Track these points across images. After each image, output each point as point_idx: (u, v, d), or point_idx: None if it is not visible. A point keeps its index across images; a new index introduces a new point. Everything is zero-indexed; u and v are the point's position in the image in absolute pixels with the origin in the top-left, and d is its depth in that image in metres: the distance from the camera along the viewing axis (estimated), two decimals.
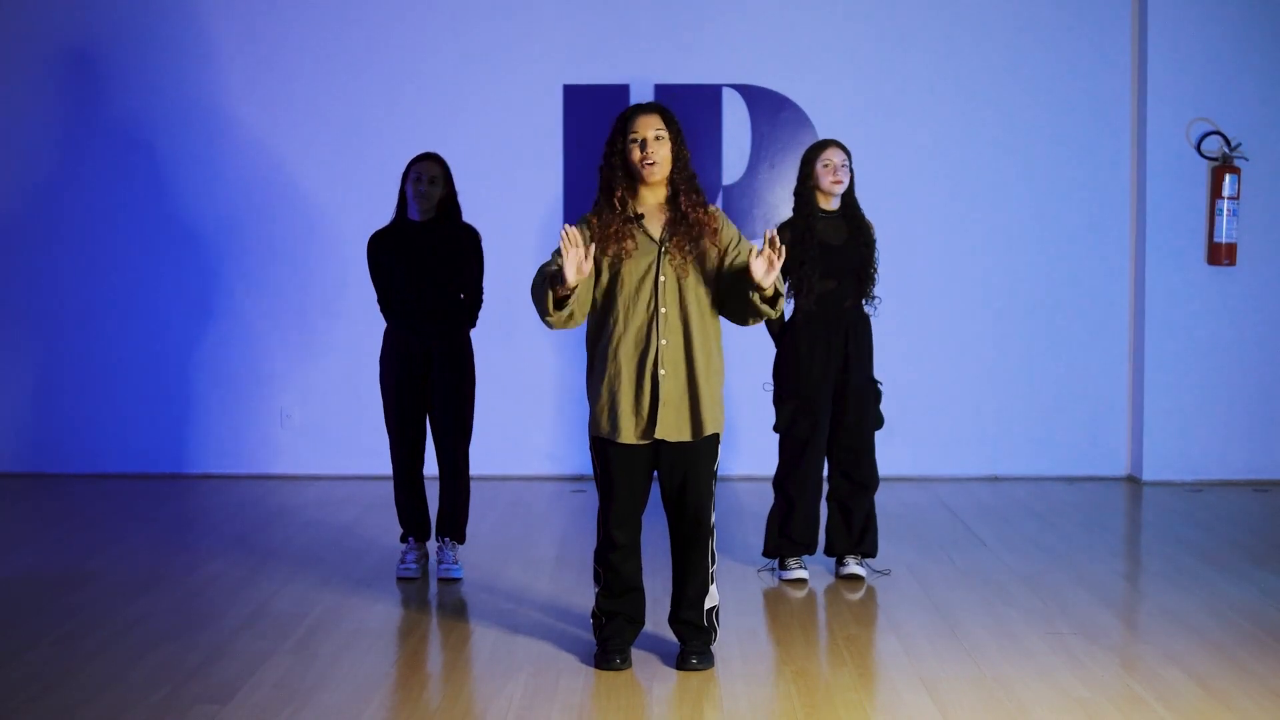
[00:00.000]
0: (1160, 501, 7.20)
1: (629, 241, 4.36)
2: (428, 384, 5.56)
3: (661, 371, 4.37)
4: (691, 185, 4.43)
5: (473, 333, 5.66)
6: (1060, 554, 6.00)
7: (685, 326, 4.39)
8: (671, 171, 4.40)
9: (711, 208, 4.46)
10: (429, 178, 5.48)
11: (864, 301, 5.57)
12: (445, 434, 5.59)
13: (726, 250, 4.43)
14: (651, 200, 4.44)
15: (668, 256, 4.37)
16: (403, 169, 5.70)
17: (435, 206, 5.51)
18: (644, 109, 4.42)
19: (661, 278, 4.37)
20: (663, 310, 4.38)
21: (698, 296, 4.41)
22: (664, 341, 4.38)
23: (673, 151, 4.39)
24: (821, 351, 5.48)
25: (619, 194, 4.40)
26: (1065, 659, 4.55)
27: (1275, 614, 5.07)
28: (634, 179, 4.41)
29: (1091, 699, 4.17)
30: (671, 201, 4.42)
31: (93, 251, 7.77)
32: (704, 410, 4.42)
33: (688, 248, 4.37)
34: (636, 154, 4.36)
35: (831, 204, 5.50)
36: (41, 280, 7.79)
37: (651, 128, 4.36)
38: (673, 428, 4.40)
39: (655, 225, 4.42)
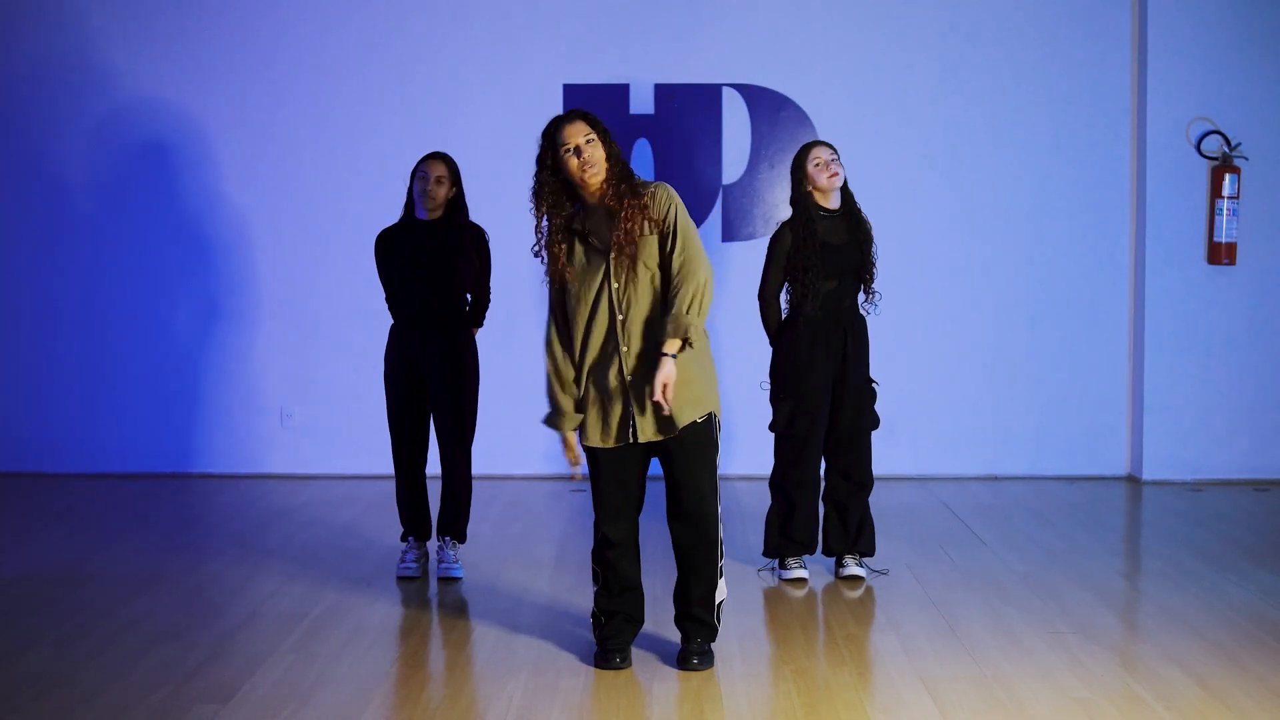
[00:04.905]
0: (1160, 501, 7.20)
1: (575, 251, 4.37)
2: (431, 383, 5.56)
3: (628, 378, 4.37)
4: (622, 176, 4.36)
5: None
6: (1060, 554, 6.00)
7: (649, 326, 4.37)
8: (608, 171, 4.37)
9: (652, 186, 4.39)
10: (435, 177, 5.49)
11: (863, 300, 5.57)
12: (448, 433, 5.59)
13: (665, 228, 4.34)
14: (595, 205, 4.41)
15: (615, 261, 4.34)
16: (405, 168, 5.72)
17: (441, 205, 5.52)
18: (566, 120, 4.37)
19: (614, 284, 4.35)
20: (620, 317, 4.37)
21: (652, 289, 4.36)
22: (625, 348, 4.37)
23: (605, 150, 4.36)
24: (820, 351, 5.47)
25: (546, 207, 4.38)
26: (1065, 659, 4.55)
27: (1275, 614, 5.07)
28: (574, 189, 4.39)
29: (1091, 699, 4.17)
30: (610, 202, 4.38)
31: (92, 250, 7.77)
32: (679, 406, 4.36)
33: (634, 243, 4.31)
34: (574, 162, 4.32)
35: (832, 202, 5.49)
36: (41, 279, 7.79)
37: (580, 135, 4.33)
38: (650, 429, 4.38)
39: (599, 232, 4.38)
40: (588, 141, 4.32)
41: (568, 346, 4.46)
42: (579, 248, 4.40)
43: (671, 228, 4.34)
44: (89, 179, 7.75)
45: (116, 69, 7.72)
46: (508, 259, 7.28)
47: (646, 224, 4.33)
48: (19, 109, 7.76)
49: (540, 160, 4.38)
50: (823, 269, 5.39)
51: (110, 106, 7.73)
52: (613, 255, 4.35)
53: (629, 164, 4.46)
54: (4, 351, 7.83)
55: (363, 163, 7.69)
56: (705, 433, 4.44)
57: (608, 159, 4.35)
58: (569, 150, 4.32)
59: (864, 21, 7.70)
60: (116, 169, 7.74)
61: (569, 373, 4.47)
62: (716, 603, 4.52)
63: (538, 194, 4.40)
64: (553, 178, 4.38)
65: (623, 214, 4.33)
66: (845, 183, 5.52)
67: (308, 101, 7.72)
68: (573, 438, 4.53)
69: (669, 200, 4.37)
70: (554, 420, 4.53)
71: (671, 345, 4.27)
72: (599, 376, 4.41)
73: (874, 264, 5.52)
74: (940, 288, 7.75)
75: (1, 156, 7.78)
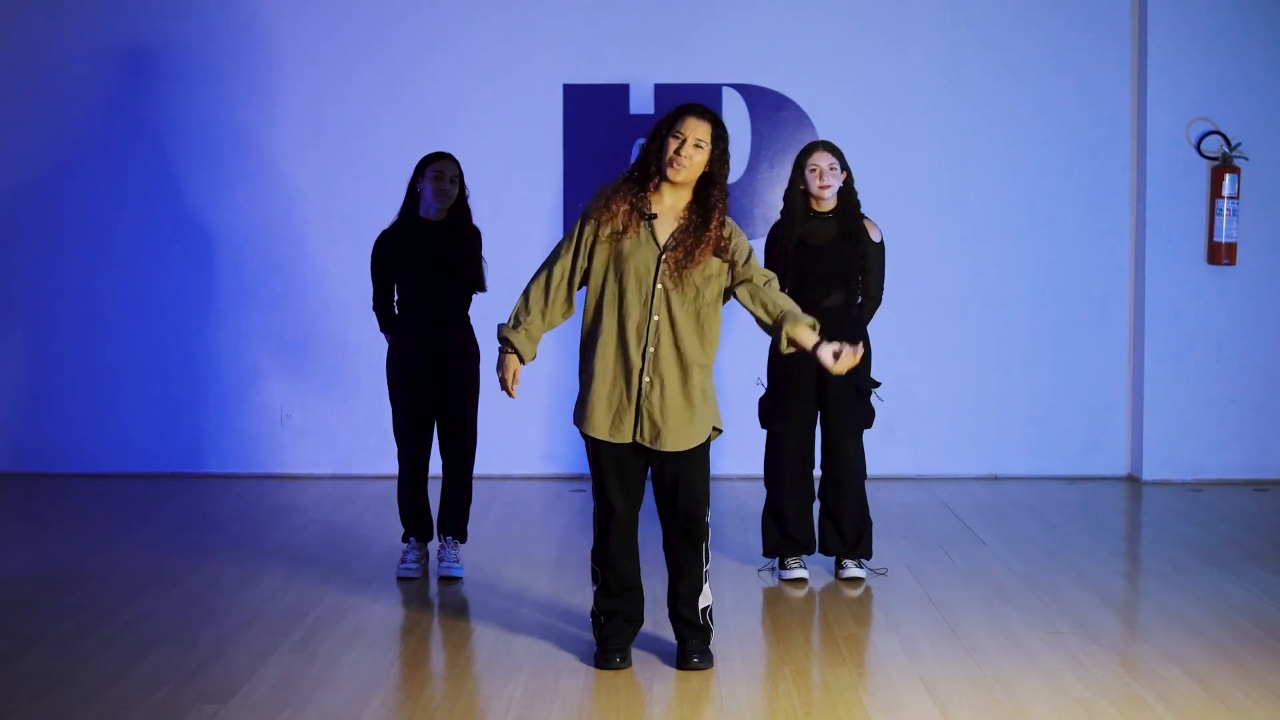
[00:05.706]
0: (1160, 501, 7.20)
1: (631, 231, 4.36)
2: (437, 382, 5.55)
3: (646, 380, 4.36)
4: (710, 205, 4.36)
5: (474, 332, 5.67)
6: (1060, 554, 6.00)
7: (676, 335, 4.37)
8: (702, 183, 4.38)
9: (731, 224, 4.44)
10: (450, 176, 5.47)
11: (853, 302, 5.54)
12: (453, 433, 5.59)
13: (736, 262, 4.41)
14: (670, 201, 4.42)
15: (667, 265, 4.36)
16: (404, 168, 5.69)
17: (450, 205, 5.51)
18: (698, 113, 4.38)
19: (659, 285, 4.36)
20: (655, 318, 4.37)
21: (695, 305, 4.39)
22: (652, 349, 4.37)
23: (710, 164, 4.36)
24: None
25: (643, 179, 4.40)
26: (1065, 659, 4.55)
27: (1275, 614, 5.07)
28: (661, 173, 4.40)
29: (1091, 699, 4.17)
30: (689, 209, 4.40)
31: (93, 250, 7.77)
32: (690, 422, 4.39)
33: (691, 256, 4.34)
34: (671, 149, 4.34)
35: (825, 205, 5.49)
36: (42, 279, 7.79)
37: (696, 134, 4.34)
38: (655, 437, 4.38)
39: (664, 229, 4.40)
40: (697, 145, 4.34)
41: (548, 295, 4.44)
42: (637, 222, 4.40)
43: (745, 258, 4.43)
44: (89, 179, 7.74)
45: (116, 69, 7.71)
46: (508, 258, 7.29)
47: (711, 250, 4.37)
48: (19, 109, 7.76)
49: (656, 129, 4.41)
50: (793, 268, 5.40)
51: (110, 107, 7.73)
52: (666, 256, 4.36)
53: (728, 193, 4.43)
54: (4, 351, 7.83)
55: (363, 163, 7.69)
56: (704, 446, 4.47)
57: (708, 170, 4.36)
58: (677, 138, 4.33)
59: (864, 21, 7.70)
60: (117, 169, 7.74)
61: (544, 310, 4.46)
62: (701, 607, 4.52)
63: (643, 162, 4.41)
64: (657, 147, 4.39)
65: (695, 234, 4.35)
66: (851, 186, 5.51)
67: (307, 101, 7.72)
68: (519, 367, 4.47)
69: (741, 239, 4.44)
70: (512, 336, 4.44)
71: (810, 334, 4.37)
72: (617, 368, 4.39)
73: (865, 268, 5.48)
74: (940, 287, 7.75)
75: (1, 157, 7.78)
